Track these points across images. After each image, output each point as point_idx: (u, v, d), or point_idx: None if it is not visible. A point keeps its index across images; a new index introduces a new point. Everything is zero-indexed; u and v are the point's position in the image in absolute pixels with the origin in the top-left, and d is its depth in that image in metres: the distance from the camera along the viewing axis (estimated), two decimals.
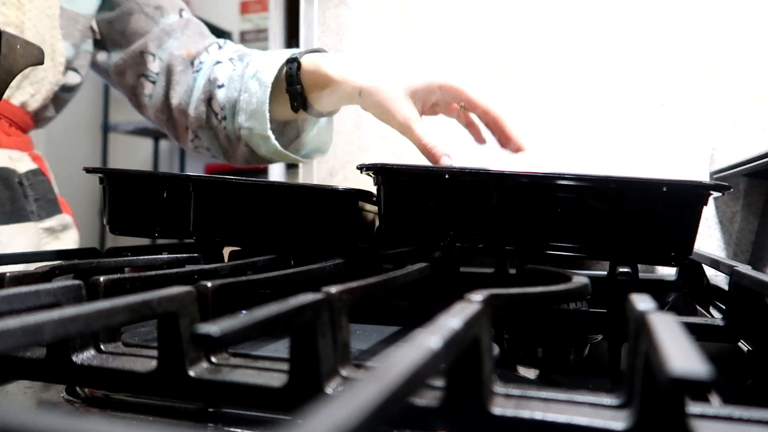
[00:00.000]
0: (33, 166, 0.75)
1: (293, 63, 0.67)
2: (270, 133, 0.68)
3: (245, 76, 0.70)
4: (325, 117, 0.74)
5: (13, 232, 0.69)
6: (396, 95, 0.61)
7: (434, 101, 0.64)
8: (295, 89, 0.67)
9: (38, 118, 0.76)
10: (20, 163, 0.73)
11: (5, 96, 0.69)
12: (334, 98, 0.67)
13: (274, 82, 0.67)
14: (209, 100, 0.72)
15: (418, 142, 0.60)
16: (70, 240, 0.79)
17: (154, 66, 0.76)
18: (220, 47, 0.78)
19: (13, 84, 0.68)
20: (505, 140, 0.63)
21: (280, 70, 0.68)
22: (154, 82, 0.76)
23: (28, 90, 0.70)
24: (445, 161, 0.58)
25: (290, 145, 0.75)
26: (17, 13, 0.65)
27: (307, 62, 0.67)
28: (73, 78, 0.76)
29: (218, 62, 0.74)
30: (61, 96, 0.77)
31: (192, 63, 0.75)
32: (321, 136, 0.77)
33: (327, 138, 0.78)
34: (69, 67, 0.74)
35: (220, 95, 0.71)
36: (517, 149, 0.63)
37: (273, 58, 0.70)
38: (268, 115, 0.68)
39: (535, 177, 0.40)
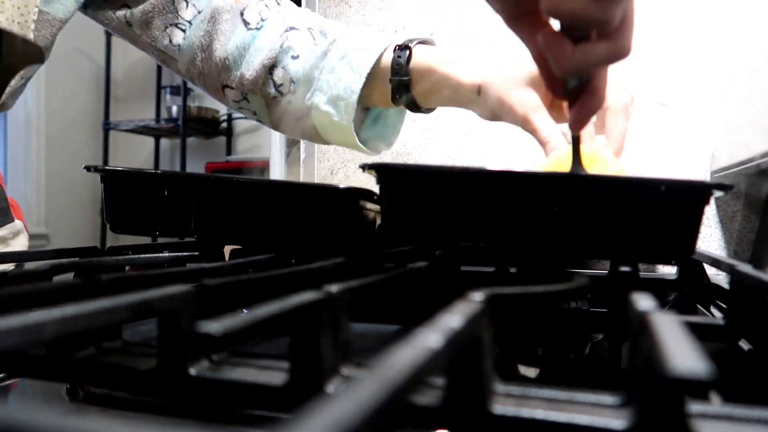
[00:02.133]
0: None
1: (404, 51, 0.60)
2: (352, 124, 0.62)
3: (330, 54, 0.62)
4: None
5: None
6: (514, 84, 0.54)
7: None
8: (400, 80, 0.60)
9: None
10: None
11: None
12: (444, 94, 0.60)
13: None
14: (272, 67, 0.64)
15: (536, 135, 0.53)
16: (19, 245, 0.75)
17: (187, 13, 0.66)
18: (278, 3, 0.67)
19: None
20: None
21: (379, 57, 0.61)
22: (184, 31, 0.66)
23: None
24: (552, 156, 0.50)
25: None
26: None
27: (422, 54, 0.60)
28: (34, 70, 0.69)
29: (293, 28, 0.64)
30: (22, 88, 0.70)
31: (242, 14, 0.64)
32: (388, 124, 0.70)
33: (394, 127, 0.71)
34: None
35: (294, 67, 0.63)
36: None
37: (366, 41, 0.63)
38: (355, 105, 0.61)
39: (537, 177, 0.40)
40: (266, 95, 0.65)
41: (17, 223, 0.76)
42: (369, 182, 0.48)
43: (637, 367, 0.20)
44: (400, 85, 0.60)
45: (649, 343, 0.18)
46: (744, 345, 0.34)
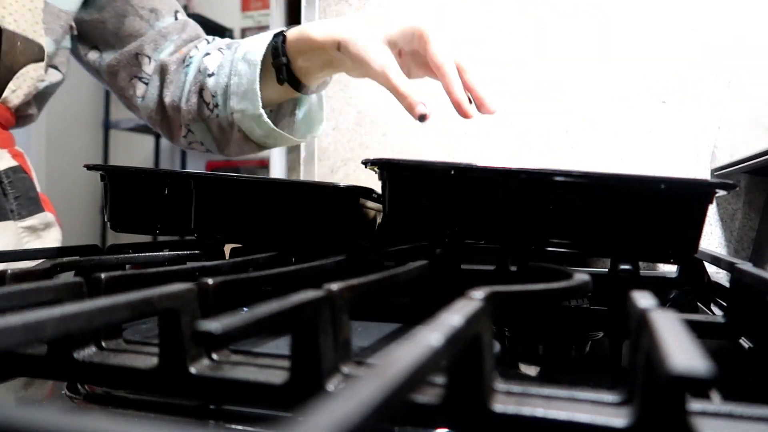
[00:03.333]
0: (13, 163, 0.73)
1: (279, 36, 0.66)
2: (262, 111, 0.67)
3: (234, 60, 0.69)
4: (314, 93, 0.73)
5: None
6: (372, 43, 0.58)
7: (415, 48, 0.60)
8: (280, 61, 0.66)
9: (20, 115, 0.74)
10: (0, 160, 0.71)
11: None
12: (316, 61, 0.65)
13: (262, 60, 0.66)
14: (200, 91, 0.72)
15: (394, 90, 0.57)
16: (52, 238, 0.78)
17: (149, 68, 0.75)
18: (208, 42, 0.77)
19: None
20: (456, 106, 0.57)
21: (267, 47, 0.67)
22: (147, 83, 0.75)
23: (10, 86, 0.68)
24: (420, 109, 0.55)
25: (282, 127, 0.74)
26: None
27: (292, 32, 0.66)
28: (54, 76, 0.75)
29: (207, 54, 0.73)
30: (43, 93, 0.76)
31: (183, 60, 0.74)
32: (312, 116, 0.77)
33: (318, 117, 0.77)
34: (50, 64, 0.73)
35: (211, 83, 0.71)
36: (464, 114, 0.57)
37: (260, 38, 0.69)
38: (259, 93, 0.67)
39: (541, 174, 0.40)
40: (204, 118, 0.73)
41: (48, 215, 0.77)
42: (369, 181, 0.48)
43: (638, 365, 0.20)
44: (280, 65, 0.66)
45: (650, 341, 0.18)
46: (744, 343, 0.34)
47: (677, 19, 0.82)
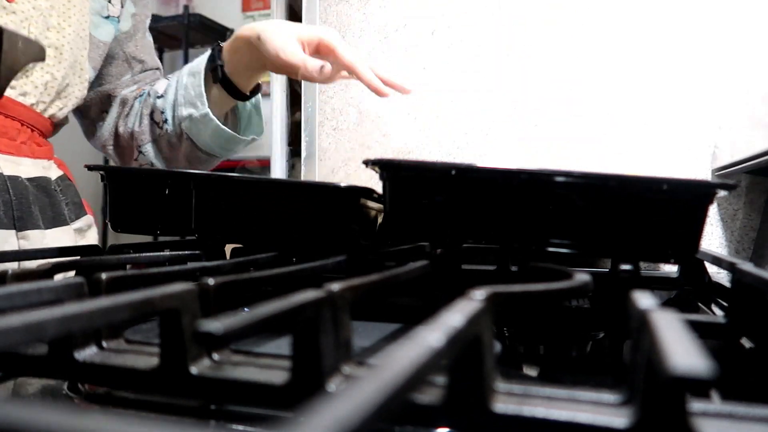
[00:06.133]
0: (60, 172, 0.81)
1: (216, 46, 0.77)
2: (208, 109, 0.76)
3: (179, 78, 0.80)
4: (248, 100, 0.82)
5: (56, 235, 0.75)
6: (288, 38, 0.70)
7: (315, 49, 0.73)
8: (215, 63, 0.76)
9: (57, 127, 0.82)
10: (50, 170, 0.78)
11: (39, 109, 0.76)
12: (242, 59, 0.75)
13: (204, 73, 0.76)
14: (152, 113, 0.82)
15: (302, 63, 0.69)
16: (92, 238, 0.85)
17: (115, 103, 0.86)
18: (166, 78, 0.88)
19: (47, 99, 0.75)
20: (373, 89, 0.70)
21: (207, 58, 0.77)
22: (108, 114, 0.87)
23: (58, 104, 0.76)
24: (323, 67, 0.68)
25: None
26: (58, 36, 0.73)
27: (226, 42, 0.77)
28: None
29: (156, 80, 0.86)
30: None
31: (137, 97, 0.86)
32: (252, 123, 0.87)
33: (257, 123, 0.88)
34: (90, 89, 0.82)
35: (159, 102, 0.81)
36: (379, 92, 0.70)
37: (202, 57, 0.79)
38: (204, 95, 0.76)
39: (542, 174, 0.40)
40: (155, 137, 0.83)
41: (89, 217, 0.85)
42: (370, 181, 0.48)
43: (639, 365, 0.20)
44: (215, 68, 0.76)
45: (650, 341, 0.18)
46: (745, 343, 0.34)
47: (677, 19, 0.82)
